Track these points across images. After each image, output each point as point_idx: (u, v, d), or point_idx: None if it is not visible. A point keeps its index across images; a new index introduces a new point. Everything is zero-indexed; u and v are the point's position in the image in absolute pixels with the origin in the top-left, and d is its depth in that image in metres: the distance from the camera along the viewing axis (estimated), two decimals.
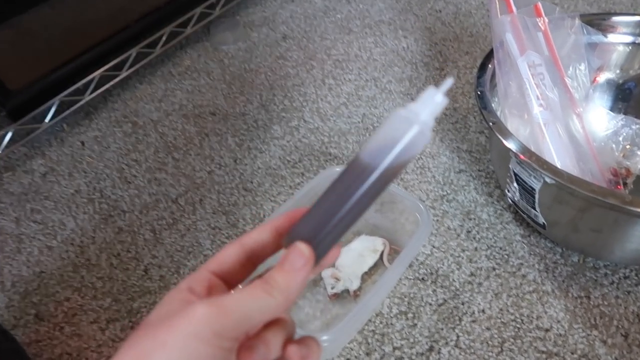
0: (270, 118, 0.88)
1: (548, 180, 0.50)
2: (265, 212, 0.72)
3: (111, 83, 0.92)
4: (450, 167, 0.76)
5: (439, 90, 0.26)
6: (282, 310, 0.25)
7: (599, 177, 0.62)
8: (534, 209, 0.56)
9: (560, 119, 0.61)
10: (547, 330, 0.57)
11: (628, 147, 0.71)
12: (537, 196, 0.54)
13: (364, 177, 0.26)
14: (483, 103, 0.58)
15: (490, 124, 0.55)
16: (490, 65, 0.63)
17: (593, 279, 0.61)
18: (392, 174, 0.26)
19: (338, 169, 0.64)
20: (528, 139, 0.59)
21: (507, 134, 0.53)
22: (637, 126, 0.71)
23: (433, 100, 0.26)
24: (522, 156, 0.51)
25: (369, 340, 0.57)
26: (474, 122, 0.83)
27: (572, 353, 0.55)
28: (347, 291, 0.62)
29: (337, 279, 0.61)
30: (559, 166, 0.54)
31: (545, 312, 0.58)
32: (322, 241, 0.26)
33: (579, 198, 0.49)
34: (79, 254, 0.70)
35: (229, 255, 0.28)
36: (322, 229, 0.26)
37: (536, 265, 0.63)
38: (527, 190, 0.56)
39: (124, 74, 0.94)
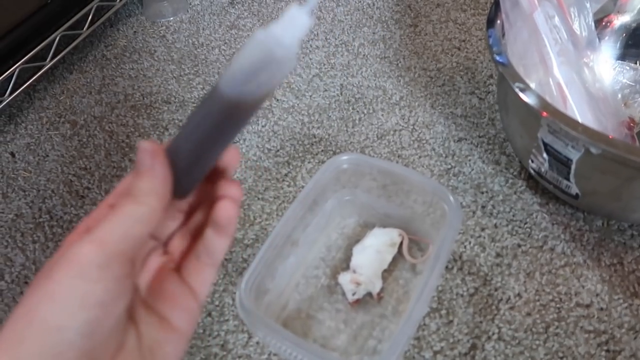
0: None
1: (594, 150, 0.45)
2: (255, 214, 0.63)
3: (35, 77, 0.76)
4: (448, 136, 0.70)
5: (302, 10, 0.23)
6: (160, 213, 0.24)
7: (619, 134, 0.58)
8: (568, 180, 0.51)
9: (578, 74, 0.55)
10: (588, 307, 0.53)
11: (628, 91, 0.67)
12: (573, 167, 0.49)
13: (222, 107, 0.24)
14: (503, 64, 0.51)
15: (517, 89, 0.48)
16: (498, 21, 0.56)
17: (622, 242, 0.58)
18: (254, 102, 0.25)
19: (345, 157, 0.55)
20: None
21: (540, 100, 0.47)
22: (636, 72, 0.68)
23: (296, 22, 0.23)
24: (565, 126, 0.44)
25: (406, 348, 0.51)
26: (462, 82, 0.77)
27: (620, 327, 0.51)
28: (369, 294, 0.55)
29: (358, 284, 0.53)
30: None
31: (583, 287, 0.54)
32: (184, 162, 0.25)
33: (630, 167, 0.44)
34: None
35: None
36: (181, 155, 0.25)
37: (562, 236, 0.58)
38: (560, 161, 0.50)
39: (48, 64, 0.78)
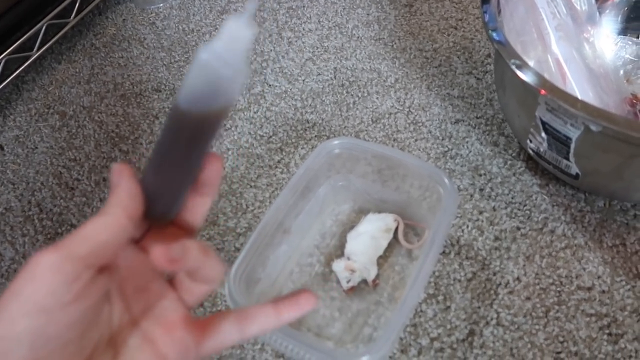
0: None
1: (594, 127, 0.43)
2: (248, 202, 0.61)
3: (22, 67, 0.75)
4: (445, 118, 0.68)
5: (240, 22, 0.22)
6: (125, 223, 0.24)
7: (621, 111, 0.56)
8: (567, 159, 0.49)
9: (578, 50, 0.53)
10: (589, 289, 0.52)
11: (631, 67, 0.65)
12: (573, 146, 0.47)
13: (183, 125, 0.24)
14: (499, 40, 0.49)
15: (514, 66, 0.46)
16: None
17: (624, 223, 0.56)
18: (214, 117, 0.24)
19: (337, 141, 0.53)
20: None
21: (537, 76, 0.45)
22: (638, 46, 0.65)
23: (236, 36, 0.22)
24: (563, 103, 0.42)
25: (402, 335, 0.50)
26: (459, 62, 0.75)
27: (622, 310, 0.50)
28: (364, 281, 0.53)
29: (353, 271, 0.52)
30: None
31: (584, 269, 0.53)
32: (157, 181, 0.25)
33: (632, 144, 0.43)
34: None
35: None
36: (153, 175, 0.25)
37: (562, 217, 0.57)
38: (559, 140, 0.48)
39: (35, 54, 0.77)
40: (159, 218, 0.26)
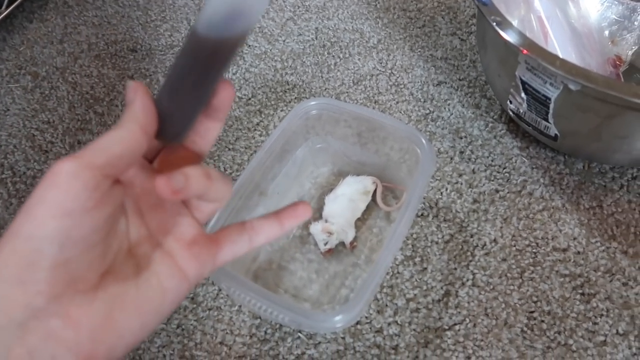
0: None
1: (572, 86, 0.42)
2: (225, 165, 0.60)
3: None
4: (427, 79, 0.67)
5: None
6: (140, 137, 0.24)
7: (603, 72, 0.55)
8: (547, 120, 0.49)
9: (562, 9, 0.52)
10: (565, 251, 0.52)
11: (616, 27, 0.64)
12: (552, 106, 0.47)
13: (201, 50, 0.25)
14: (482, 0, 0.47)
15: (494, 23, 0.45)
16: None
17: (602, 185, 0.56)
18: (233, 42, 0.25)
19: (314, 102, 0.52)
20: None
21: (516, 34, 0.44)
22: (624, 6, 0.64)
23: None
24: (542, 60, 0.42)
25: (378, 296, 0.50)
26: (444, 23, 0.73)
27: (596, 271, 0.50)
28: (342, 244, 0.53)
29: (330, 233, 0.52)
30: None
31: (560, 231, 0.53)
32: (170, 104, 0.26)
33: (610, 104, 0.42)
34: None
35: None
36: (167, 97, 0.26)
37: (541, 180, 0.57)
38: (539, 101, 0.47)
39: (5, 12, 0.74)
40: (170, 138, 0.27)
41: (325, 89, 0.67)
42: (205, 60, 0.25)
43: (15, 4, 0.74)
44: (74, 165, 0.22)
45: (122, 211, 0.26)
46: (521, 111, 0.51)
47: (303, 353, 0.47)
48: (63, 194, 0.22)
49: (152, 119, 0.25)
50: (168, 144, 0.28)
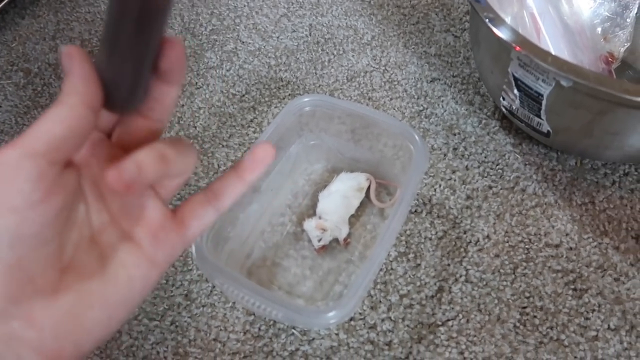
0: (200, 44, 0.73)
1: (564, 82, 0.42)
2: (219, 162, 0.60)
3: None
4: (421, 76, 0.67)
5: None
6: (84, 112, 0.22)
7: (595, 68, 0.56)
8: (539, 117, 0.49)
9: (554, 6, 0.52)
10: (557, 247, 0.52)
11: (609, 24, 0.64)
12: (544, 102, 0.47)
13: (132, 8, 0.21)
14: None
15: (487, 20, 0.45)
16: None
17: (594, 181, 0.56)
18: None
19: (307, 99, 0.52)
20: None
21: (509, 30, 0.44)
22: (617, 3, 0.64)
23: None
24: (534, 57, 0.42)
25: (372, 293, 0.51)
26: (437, 19, 0.73)
27: (588, 266, 0.51)
28: (335, 240, 0.53)
29: (324, 230, 0.52)
30: None
31: (553, 227, 0.53)
32: (112, 67, 0.23)
33: (602, 100, 0.42)
34: None
35: None
36: (107, 60, 0.23)
37: (534, 176, 0.57)
38: (531, 97, 0.48)
39: None
40: (121, 107, 0.24)
41: (319, 86, 0.67)
42: (137, 12, 0.22)
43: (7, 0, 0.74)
44: (13, 155, 0.20)
45: (79, 197, 0.24)
46: (514, 108, 0.52)
47: (297, 349, 0.47)
48: (3, 189, 0.20)
49: (94, 88, 0.22)
50: (120, 114, 0.25)
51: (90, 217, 0.24)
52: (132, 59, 0.23)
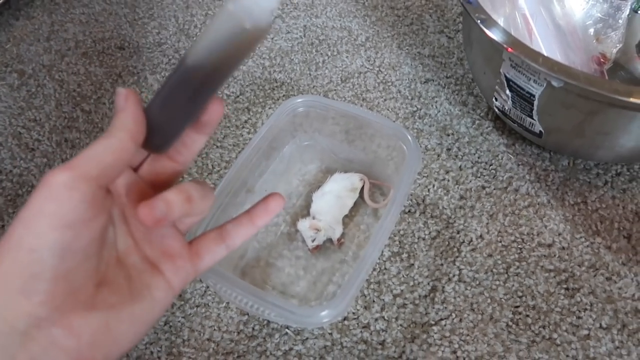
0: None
1: (555, 83, 0.42)
2: (213, 162, 0.60)
3: None
4: (414, 77, 0.67)
5: None
6: (130, 145, 0.25)
7: (587, 69, 0.56)
8: (531, 117, 0.49)
9: (546, 7, 0.52)
10: (550, 246, 0.53)
11: (601, 25, 0.64)
12: (536, 103, 0.47)
13: (190, 78, 0.25)
14: None
15: (479, 21, 0.45)
16: None
17: (587, 181, 0.57)
18: (224, 72, 0.25)
19: (300, 100, 0.52)
20: None
21: (500, 31, 0.44)
22: (609, 4, 0.65)
23: None
24: (525, 57, 0.42)
25: (365, 292, 0.51)
26: (431, 21, 0.73)
27: (580, 266, 0.51)
28: (329, 240, 0.53)
29: (318, 230, 0.52)
30: None
31: (545, 227, 0.54)
32: (159, 119, 0.26)
33: (593, 101, 0.42)
34: None
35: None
36: (156, 113, 0.26)
37: (527, 177, 0.57)
38: (523, 98, 0.48)
39: None
40: (155, 149, 0.27)
41: (313, 87, 0.67)
42: (200, 84, 0.25)
43: (1, 0, 0.74)
44: (70, 177, 0.22)
45: (110, 220, 0.27)
46: (506, 108, 0.52)
47: (290, 349, 0.47)
48: (62, 206, 0.22)
49: (141, 128, 0.25)
50: (153, 153, 0.29)
51: (117, 240, 0.27)
52: (180, 118, 0.27)
